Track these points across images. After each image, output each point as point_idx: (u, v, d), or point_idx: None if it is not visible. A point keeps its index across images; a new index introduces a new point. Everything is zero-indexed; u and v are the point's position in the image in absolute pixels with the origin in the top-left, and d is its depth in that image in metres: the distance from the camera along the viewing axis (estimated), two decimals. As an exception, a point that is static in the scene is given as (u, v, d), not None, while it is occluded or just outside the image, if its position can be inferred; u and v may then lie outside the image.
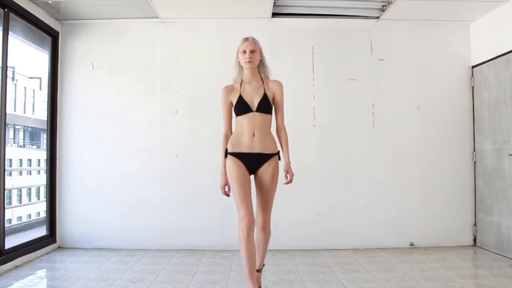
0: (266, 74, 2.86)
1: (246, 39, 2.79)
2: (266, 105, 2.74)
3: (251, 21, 4.44)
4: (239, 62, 2.81)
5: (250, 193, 2.70)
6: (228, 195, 2.75)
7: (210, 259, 3.93)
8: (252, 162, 2.72)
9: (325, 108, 4.45)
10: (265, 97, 2.74)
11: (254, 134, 2.71)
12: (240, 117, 2.76)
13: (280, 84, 2.83)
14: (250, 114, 2.72)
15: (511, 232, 3.88)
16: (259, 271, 2.82)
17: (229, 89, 2.82)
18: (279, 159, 2.80)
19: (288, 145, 2.86)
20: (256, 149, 2.71)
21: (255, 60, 2.77)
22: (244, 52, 2.74)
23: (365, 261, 3.82)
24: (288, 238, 4.32)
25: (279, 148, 2.83)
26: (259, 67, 2.84)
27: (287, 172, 2.77)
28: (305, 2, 4.28)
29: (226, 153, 2.75)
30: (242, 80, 2.82)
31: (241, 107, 2.74)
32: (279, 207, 4.31)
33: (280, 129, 2.87)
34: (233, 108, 2.81)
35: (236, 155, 2.72)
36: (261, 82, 2.80)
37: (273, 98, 2.81)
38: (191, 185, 4.38)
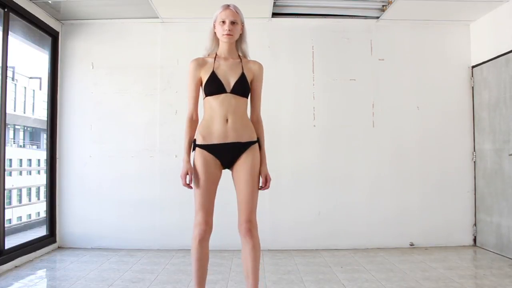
0: (245, 52, 2.41)
1: (227, 6, 2.34)
2: (243, 87, 2.30)
3: (251, 21, 4.39)
4: (215, 33, 2.35)
5: (215, 196, 2.39)
6: (190, 187, 2.36)
7: (210, 259, 3.91)
8: (227, 154, 2.29)
9: (325, 108, 4.45)
10: (243, 77, 2.30)
11: (227, 120, 2.27)
12: (209, 98, 2.28)
13: (261, 66, 2.41)
14: (223, 95, 2.26)
15: (511, 232, 3.88)
16: None
17: (200, 63, 2.33)
18: (260, 148, 2.37)
19: (264, 141, 2.39)
20: (231, 137, 2.26)
21: (235, 33, 2.32)
22: (223, 22, 2.29)
23: (365, 261, 3.82)
24: (288, 238, 4.32)
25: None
26: (238, 43, 2.39)
27: (265, 177, 2.33)
28: (305, 2, 4.28)
29: (194, 145, 2.31)
30: (216, 54, 2.36)
31: (214, 86, 2.27)
32: (279, 207, 4.34)
33: (257, 121, 2.40)
34: (202, 87, 2.33)
35: (207, 147, 2.27)
36: (239, 60, 2.37)
37: (251, 81, 2.36)
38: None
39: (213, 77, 2.28)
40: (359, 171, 4.43)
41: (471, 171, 4.49)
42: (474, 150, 4.48)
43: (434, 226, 4.41)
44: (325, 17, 4.45)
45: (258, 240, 2.31)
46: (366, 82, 4.49)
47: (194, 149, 2.33)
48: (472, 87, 4.52)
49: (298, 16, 4.44)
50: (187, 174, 2.33)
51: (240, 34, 2.38)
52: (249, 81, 2.34)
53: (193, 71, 2.33)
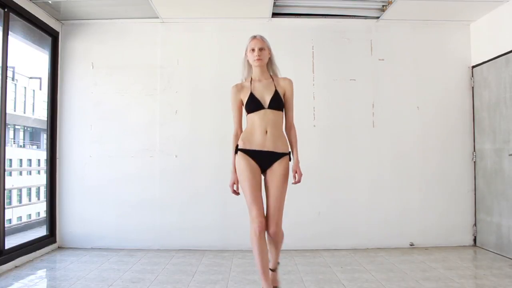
0: (275, 72, 2.82)
1: (254, 37, 2.76)
2: (278, 102, 2.68)
3: (251, 21, 4.44)
4: (247, 61, 2.78)
5: (261, 191, 2.63)
6: (237, 193, 2.67)
7: (210, 259, 3.93)
8: (263, 160, 2.64)
9: (325, 108, 4.45)
10: (276, 94, 2.69)
11: (266, 132, 2.64)
12: (251, 115, 2.69)
13: (290, 82, 2.80)
14: (262, 111, 2.65)
15: (511, 232, 3.88)
16: (273, 270, 2.76)
17: (239, 88, 2.76)
18: (290, 159, 2.72)
19: (297, 144, 2.77)
20: (268, 147, 2.64)
21: (264, 57, 2.73)
22: (253, 50, 2.71)
23: (365, 261, 3.82)
24: (288, 238, 4.26)
25: (290, 149, 2.75)
26: (268, 65, 2.79)
27: (296, 172, 2.69)
28: (305, 2, 4.28)
29: (237, 149, 2.67)
30: (252, 78, 2.76)
31: (253, 104, 2.67)
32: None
33: (290, 127, 2.79)
34: (244, 106, 2.74)
35: (247, 152, 2.65)
36: (271, 79, 2.76)
37: (284, 95, 2.75)
38: (191, 185, 4.38)
39: (252, 98, 2.68)
40: (359, 171, 4.43)
41: (471, 171, 4.49)
42: (474, 150, 4.48)
43: (434, 226, 4.41)
44: (325, 17, 4.45)
45: (282, 233, 2.70)
46: (366, 82, 4.49)
47: (236, 152, 2.68)
48: (472, 87, 4.52)
49: (298, 16, 4.44)
50: (235, 183, 2.68)
51: (269, 58, 2.78)
52: (282, 96, 2.73)
53: (234, 95, 2.76)
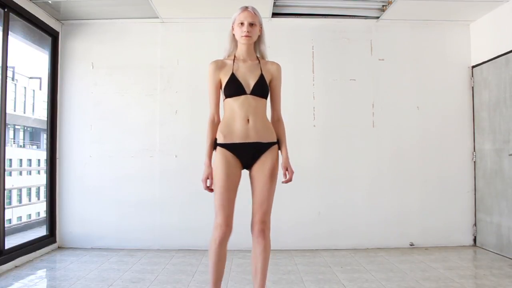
0: (263, 53, 2.43)
1: (246, 8, 2.32)
2: (262, 88, 2.32)
3: (251, 21, 4.44)
4: (233, 35, 2.37)
5: (235, 196, 2.29)
6: (211, 190, 2.28)
7: (210, 259, 3.92)
8: (248, 154, 2.29)
9: (325, 108, 4.45)
10: (261, 78, 2.32)
11: (248, 120, 2.28)
12: (230, 100, 2.30)
13: (279, 67, 2.42)
14: (243, 96, 2.28)
15: (511, 232, 3.88)
16: None
17: (219, 65, 2.35)
18: (279, 148, 2.41)
19: (285, 138, 2.44)
20: (252, 137, 2.28)
21: (254, 35, 2.33)
22: (242, 24, 2.29)
23: (365, 261, 3.82)
24: (288, 238, 4.31)
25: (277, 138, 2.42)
26: (256, 44, 2.41)
27: (286, 169, 2.38)
28: (305, 2, 4.28)
29: (215, 145, 2.31)
30: (235, 56, 2.37)
31: (234, 88, 2.29)
32: (278, 207, 4.31)
33: (277, 120, 2.43)
34: (222, 88, 2.35)
35: (228, 146, 2.28)
36: (257, 61, 2.39)
37: (270, 82, 2.39)
38: (191, 185, 4.37)
39: (233, 79, 2.29)
40: (359, 171, 4.42)
41: (471, 171, 4.49)
42: (474, 150, 4.48)
43: (434, 226, 4.41)
44: (325, 17, 4.45)
45: (269, 241, 2.32)
46: (366, 82, 4.49)
47: (215, 148, 2.33)
48: (472, 87, 4.52)
49: (298, 16, 4.44)
50: (208, 178, 2.29)
51: (258, 36, 2.40)
52: (267, 82, 2.36)
53: (213, 73, 2.34)
